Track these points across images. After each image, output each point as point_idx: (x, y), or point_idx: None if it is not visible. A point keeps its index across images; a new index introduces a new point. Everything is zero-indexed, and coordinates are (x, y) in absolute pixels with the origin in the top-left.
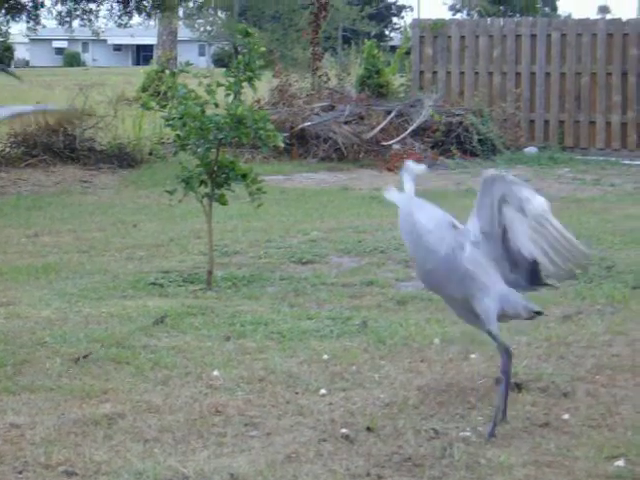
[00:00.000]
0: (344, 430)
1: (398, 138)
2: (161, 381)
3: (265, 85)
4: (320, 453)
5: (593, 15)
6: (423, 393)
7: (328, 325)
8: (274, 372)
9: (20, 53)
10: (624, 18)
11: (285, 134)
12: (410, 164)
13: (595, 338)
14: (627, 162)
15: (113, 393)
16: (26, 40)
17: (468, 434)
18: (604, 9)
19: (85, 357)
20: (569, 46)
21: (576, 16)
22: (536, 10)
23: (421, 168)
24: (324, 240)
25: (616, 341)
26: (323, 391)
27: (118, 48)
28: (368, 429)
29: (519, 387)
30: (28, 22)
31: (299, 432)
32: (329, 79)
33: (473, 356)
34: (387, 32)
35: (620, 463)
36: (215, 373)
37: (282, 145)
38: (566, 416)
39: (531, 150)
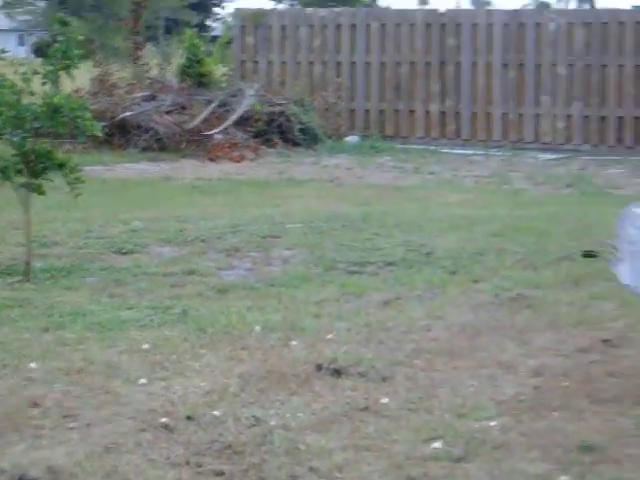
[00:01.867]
0: (164, 419)
1: (220, 128)
2: None
3: (86, 75)
4: (139, 443)
5: (413, 6)
6: (244, 380)
7: (148, 315)
8: (93, 363)
9: None
10: (442, 9)
11: (104, 124)
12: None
13: (414, 323)
14: (446, 150)
15: None
16: None
17: (288, 420)
18: (424, 1)
19: None
20: (388, 36)
21: (396, 7)
22: (356, 0)
23: None
24: (145, 230)
25: (435, 325)
26: (143, 380)
27: None
28: (188, 418)
29: (339, 373)
30: None
31: (118, 422)
32: (150, 69)
33: (294, 343)
34: (209, 22)
35: (437, 445)
36: (32, 365)
37: (100, 134)
38: (385, 400)
39: (352, 139)
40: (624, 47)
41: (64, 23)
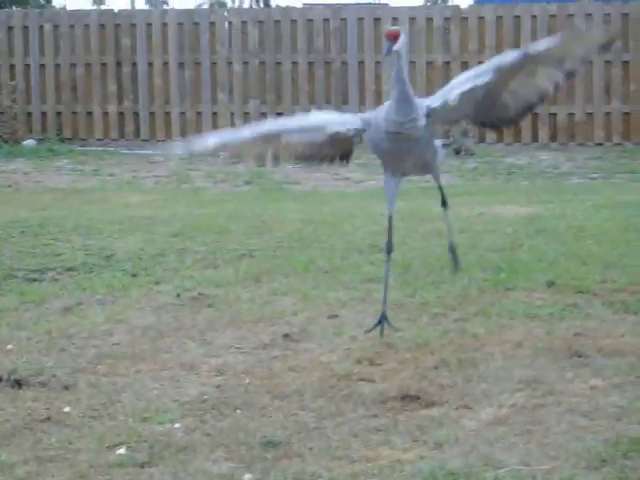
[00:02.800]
0: None
1: None
2: None
3: None
4: None
5: (90, 7)
6: None
7: None
8: None
9: None
10: (116, 9)
11: None
12: None
13: (96, 328)
14: (125, 151)
15: None
16: None
17: None
18: (99, 1)
19: None
20: (62, 37)
21: (71, 8)
22: (28, 2)
23: None
24: None
25: (117, 329)
26: None
27: None
28: None
29: (19, 384)
30: None
31: None
32: None
33: None
34: None
35: (122, 451)
36: None
37: None
38: (67, 409)
39: (30, 143)
40: (296, 44)
41: None
